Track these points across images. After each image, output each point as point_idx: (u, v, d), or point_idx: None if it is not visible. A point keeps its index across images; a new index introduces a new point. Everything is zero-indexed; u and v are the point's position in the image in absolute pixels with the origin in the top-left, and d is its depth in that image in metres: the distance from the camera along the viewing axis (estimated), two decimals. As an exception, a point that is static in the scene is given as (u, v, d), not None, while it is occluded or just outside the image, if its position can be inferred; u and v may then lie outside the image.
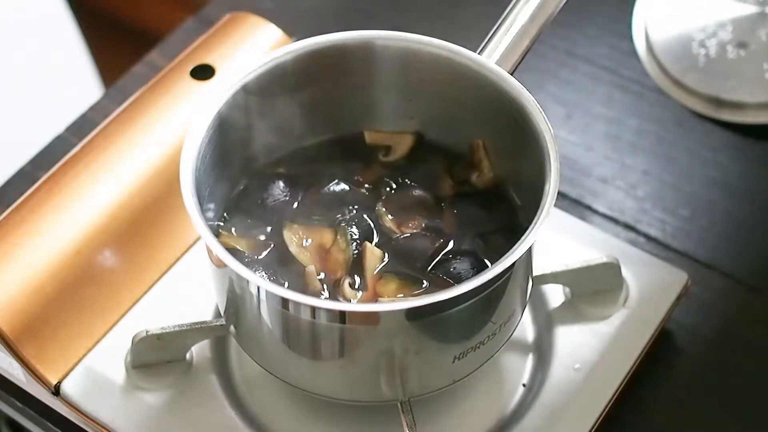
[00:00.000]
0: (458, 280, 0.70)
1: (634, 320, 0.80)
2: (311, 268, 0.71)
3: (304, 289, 0.70)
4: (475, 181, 0.76)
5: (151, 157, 0.82)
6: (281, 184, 0.75)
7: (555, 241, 0.82)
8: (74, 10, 1.48)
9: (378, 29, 0.74)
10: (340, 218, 0.74)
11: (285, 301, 0.65)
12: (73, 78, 1.48)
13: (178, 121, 0.85)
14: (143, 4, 1.71)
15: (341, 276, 0.71)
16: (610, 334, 0.79)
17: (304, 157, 0.77)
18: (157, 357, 0.76)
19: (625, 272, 0.81)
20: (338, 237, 0.73)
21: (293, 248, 0.72)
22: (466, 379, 0.72)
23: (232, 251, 0.70)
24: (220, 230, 0.74)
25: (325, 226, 0.74)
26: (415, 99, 0.77)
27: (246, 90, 0.72)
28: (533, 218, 0.66)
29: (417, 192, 0.75)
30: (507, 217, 0.74)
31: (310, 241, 0.73)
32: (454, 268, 0.71)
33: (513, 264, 0.65)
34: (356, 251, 0.72)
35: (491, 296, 0.67)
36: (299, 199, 0.75)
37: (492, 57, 0.73)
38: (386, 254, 0.72)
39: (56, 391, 0.76)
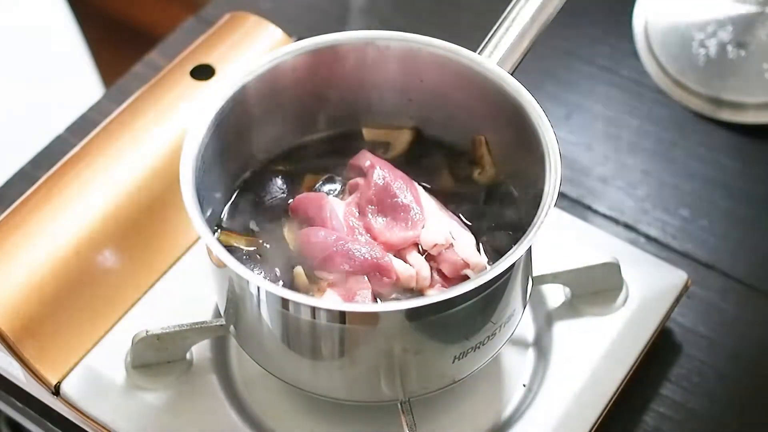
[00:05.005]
0: None
1: (634, 320, 0.80)
2: (299, 269, 0.71)
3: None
4: (476, 178, 0.76)
5: (151, 157, 0.82)
6: (280, 181, 0.75)
7: (555, 241, 0.81)
8: (74, 10, 1.48)
9: (378, 29, 0.74)
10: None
11: (285, 301, 0.65)
12: (73, 78, 1.48)
13: (178, 121, 0.85)
14: (143, 4, 1.71)
15: None
16: (610, 334, 0.79)
17: (303, 154, 0.77)
18: (157, 357, 0.76)
19: (625, 272, 0.81)
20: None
21: (294, 245, 0.72)
22: (466, 379, 0.72)
23: (232, 250, 0.70)
24: (220, 230, 0.74)
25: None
26: (415, 99, 0.77)
27: (246, 90, 0.72)
28: (533, 217, 0.66)
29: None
30: (508, 214, 0.74)
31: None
32: None
33: (513, 264, 0.65)
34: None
35: (491, 296, 0.67)
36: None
37: (492, 57, 0.73)
38: None
39: (56, 391, 0.76)
